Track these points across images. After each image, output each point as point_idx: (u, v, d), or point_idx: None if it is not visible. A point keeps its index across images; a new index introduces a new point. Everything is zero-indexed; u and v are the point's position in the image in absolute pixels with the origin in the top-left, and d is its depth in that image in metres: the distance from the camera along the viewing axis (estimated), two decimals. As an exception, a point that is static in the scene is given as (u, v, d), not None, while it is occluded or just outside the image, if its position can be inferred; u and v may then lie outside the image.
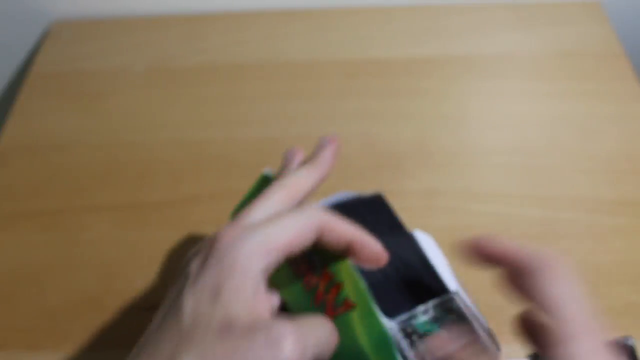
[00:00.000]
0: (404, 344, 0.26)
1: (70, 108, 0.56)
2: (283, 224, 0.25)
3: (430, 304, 0.29)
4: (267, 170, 0.35)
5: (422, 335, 0.27)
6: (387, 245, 0.28)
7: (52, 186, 0.50)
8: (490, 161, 0.50)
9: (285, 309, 0.28)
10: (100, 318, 0.42)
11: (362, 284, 0.27)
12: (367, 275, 0.28)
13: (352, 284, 0.27)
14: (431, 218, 0.46)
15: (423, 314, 0.28)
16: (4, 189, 0.50)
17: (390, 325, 0.27)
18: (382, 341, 0.26)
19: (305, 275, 0.29)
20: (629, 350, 0.37)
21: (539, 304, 0.24)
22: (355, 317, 0.27)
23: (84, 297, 0.43)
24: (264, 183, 0.34)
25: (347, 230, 0.27)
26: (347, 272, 0.28)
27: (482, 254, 0.27)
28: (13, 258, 0.46)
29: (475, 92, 0.55)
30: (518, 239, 0.45)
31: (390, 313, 0.28)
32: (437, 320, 0.28)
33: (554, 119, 0.52)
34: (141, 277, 0.44)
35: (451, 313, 0.29)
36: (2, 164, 0.52)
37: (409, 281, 0.30)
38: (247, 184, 0.50)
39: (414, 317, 0.28)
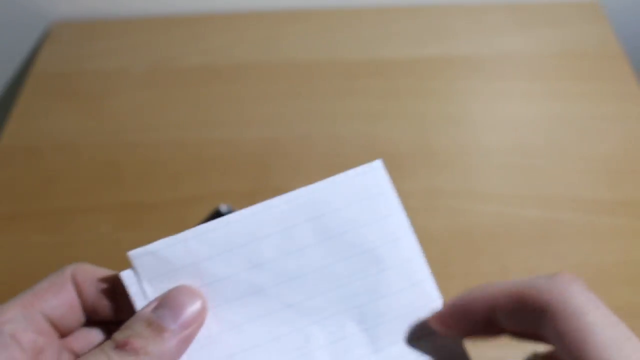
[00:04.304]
0: None
1: (71, 108, 0.56)
2: None
3: None
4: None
5: None
6: None
7: (52, 186, 0.50)
8: (490, 161, 0.50)
9: None
10: (100, 318, 0.42)
11: None
12: None
13: None
14: (431, 218, 0.46)
15: None
16: (4, 189, 0.50)
17: None
18: None
19: None
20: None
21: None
22: None
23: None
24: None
25: None
26: None
27: (466, 319, 0.22)
28: (13, 258, 0.46)
29: (475, 92, 0.55)
30: (517, 239, 0.45)
31: None
32: None
33: (554, 119, 0.52)
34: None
35: None
36: (2, 164, 0.52)
37: None
38: (247, 184, 0.50)
39: None
